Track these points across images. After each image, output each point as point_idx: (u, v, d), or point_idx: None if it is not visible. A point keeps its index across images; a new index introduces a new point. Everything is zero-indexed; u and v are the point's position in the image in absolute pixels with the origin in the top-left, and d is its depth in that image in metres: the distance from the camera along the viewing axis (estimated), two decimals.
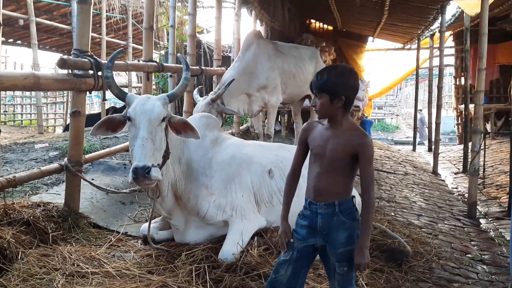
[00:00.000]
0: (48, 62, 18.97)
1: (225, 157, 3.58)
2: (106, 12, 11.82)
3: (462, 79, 14.38)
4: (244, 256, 3.08)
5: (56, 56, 17.34)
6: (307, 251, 2.20)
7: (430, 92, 12.05)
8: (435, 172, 8.95)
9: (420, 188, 7.24)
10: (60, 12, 12.21)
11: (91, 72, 3.58)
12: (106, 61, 3.50)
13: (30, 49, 10.63)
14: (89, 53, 3.58)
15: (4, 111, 17.77)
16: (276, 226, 3.57)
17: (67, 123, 15.65)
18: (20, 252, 2.82)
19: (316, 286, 2.81)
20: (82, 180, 3.69)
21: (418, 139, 13.98)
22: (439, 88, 9.29)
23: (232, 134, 7.60)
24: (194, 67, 6.02)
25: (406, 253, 3.69)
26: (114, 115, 3.08)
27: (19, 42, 13.75)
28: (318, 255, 2.28)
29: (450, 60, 15.15)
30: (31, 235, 3.03)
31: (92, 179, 4.51)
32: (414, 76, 14.41)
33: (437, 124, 9.31)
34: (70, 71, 3.46)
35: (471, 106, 7.94)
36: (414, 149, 12.96)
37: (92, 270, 2.79)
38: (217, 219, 3.39)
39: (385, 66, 15.78)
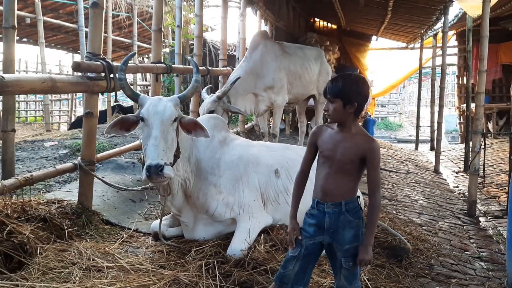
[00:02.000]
0: (53, 60, 19.06)
1: (233, 158, 3.72)
2: (112, 10, 11.97)
3: (465, 78, 14.50)
4: (251, 252, 3.22)
5: (61, 54, 17.52)
6: (315, 248, 2.33)
7: (432, 92, 12.18)
8: (436, 171, 9.07)
9: (421, 186, 7.37)
10: (66, 10, 12.33)
11: (103, 74, 3.72)
12: (116, 63, 3.66)
13: (34, 47, 10.76)
14: (101, 56, 3.71)
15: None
16: (282, 224, 3.72)
17: (72, 120, 15.84)
18: (38, 247, 2.96)
19: (321, 280, 2.95)
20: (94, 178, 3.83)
21: None
22: (441, 88, 9.40)
23: (237, 132, 7.75)
24: (201, 68, 6.15)
25: (406, 250, 3.83)
26: (128, 115, 3.21)
27: (25, 40, 13.88)
28: (324, 251, 2.42)
29: (453, 59, 15.24)
30: (48, 231, 3.18)
31: (103, 177, 4.66)
32: (418, 75, 14.53)
33: (439, 124, 9.43)
34: (83, 74, 3.59)
35: (473, 106, 8.06)
36: (416, 148, 13.09)
37: (107, 264, 2.93)
38: (225, 216, 3.53)
39: (388, 65, 15.91)
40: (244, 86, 6.19)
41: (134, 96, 3.20)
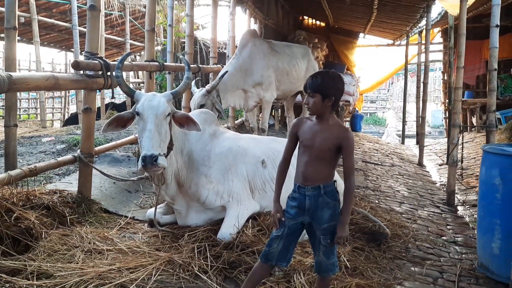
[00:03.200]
0: (45, 58, 19.14)
1: (222, 149, 3.99)
2: (105, 9, 12.16)
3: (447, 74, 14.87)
4: (240, 236, 3.49)
5: (54, 52, 17.63)
6: (296, 228, 2.61)
7: (418, 87, 12.45)
8: (420, 163, 9.39)
9: (404, 178, 7.69)
10: (59, 9, 12.50)
11: (100, 72, 3.97)
12: (113, 62, 3.91)
13: (27, 45, 10.89)
14: (99, 55, 3.97)
15: (2, 106, 18.00)
16: (268, 211, 3.99)
17: (66, 117, 16.01)
18: (43, 232, 3.21)
19: (303, 260, 3.23)
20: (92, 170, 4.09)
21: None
22: (424, 84, 9.75)
23: (228, 128, 8.00)
24: (192, 66, 6.41)
25: (385, 235, 4.13)
26: (122, 113, 3.46)
27: (18, 38, 13.99)
28: (305, 231, 2.70)
29: (439, 56, 15.60)
30: (51, 218, 3.43)
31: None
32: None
33: (423, 119, 9.75)
34: (83, 72, 3.85)
35: None
36: (403, 142, 13.43)
37: (107, 247, 3.20)
38: (216, 204, 3.81)
39: (376, 61, 16.22)
40: (234, 82, 6.45)
41: (130, 93, 3.45)
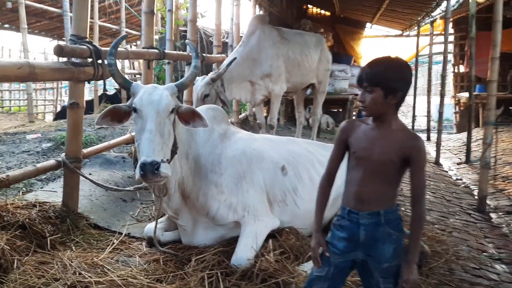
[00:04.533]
0: (37, 47, 18.38)
1: (235, 153, 3.34)
2: None
3: (461, 66, 14.23)
4: (259, 262, 2.85)
5: (46, 41, 16.85)
6: (345, 267, 1.97)
7: (429, 80, 11.87)
8: (437, 162, 8.78)
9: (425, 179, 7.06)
10: None
11: (90, 60, 3.30)
12: (105, 48, 3.24)
13: (18, 33, 10.21)
14: (87, 40, 3.28)
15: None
16: (290, 227, 3.36)
17: (58, 110, 15.26)
18: (15, 260, 2.56)
19: None
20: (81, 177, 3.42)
21: None
22: (443, 77, 9.10)
23: (232, 123, 7.34)
24: None
25: (425, 254, 3.50)
26: (120, 105, 2.82)
27: (7, 26, 13.26)
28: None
29: (448, 47, 14.94)
30: (27, 240, 2.78)
31: (90, 174, 4.25)
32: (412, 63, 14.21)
33: (440, 114, 9.14)
34: (68, 59, 3.17)
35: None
36: None
37: (95, 279, 2.54)
38: (228, 219, 3.16)
39: (382, 53, 15.52)
40: (240, 72, 5.82)
41: (125, 84, 2.81)
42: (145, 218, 3.78)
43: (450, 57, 15.57)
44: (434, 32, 12.26)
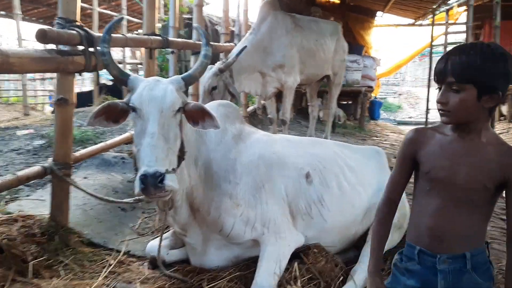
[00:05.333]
0: (33, 36, 17.78)
1: (252, 158, 2.84)
2: None
3: None
4: None
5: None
6: None
7: None
8: None
9: None
10: None
11: (81, 48, 2.79)
12: (100, 34, 2.72)
13: (13, 20, 9.67)
14: (78, 24, 2.76)
15: None
16: (316, 244, 2.86)
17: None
18: None
19: None
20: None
21: None
22: None
23: None
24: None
25: None
26: (116, 101, 2.30)
27: (2, 12, 12.71)
28: None
29: (461, 37, 14.36)
30: (4, 266, 2.28)
31: (85, 177, 3.76)
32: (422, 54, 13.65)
33: None
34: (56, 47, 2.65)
35: None
36: None
37: None
38: (245, 237, 2.68)
39: (394, 43, 14.99)
40: (250, 62, 5.33)
41: (121, 77, 2.32)
42: (148, 231, 3.28)
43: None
44: (450, 21, 11.68)
